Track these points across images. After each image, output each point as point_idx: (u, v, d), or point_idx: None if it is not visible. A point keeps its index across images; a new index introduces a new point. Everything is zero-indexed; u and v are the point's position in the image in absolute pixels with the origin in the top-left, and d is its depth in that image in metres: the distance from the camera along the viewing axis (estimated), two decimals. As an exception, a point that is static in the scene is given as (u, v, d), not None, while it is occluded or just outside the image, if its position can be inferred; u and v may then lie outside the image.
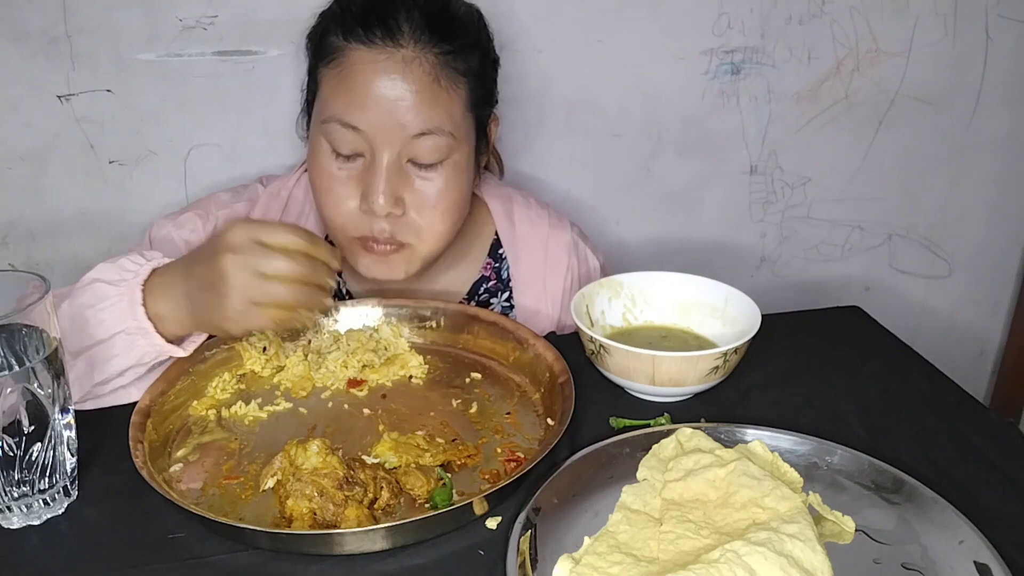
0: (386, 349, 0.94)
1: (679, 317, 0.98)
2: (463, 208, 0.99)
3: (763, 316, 0.89)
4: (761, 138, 1.47)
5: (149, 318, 0.79)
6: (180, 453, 0.79)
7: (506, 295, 1.11)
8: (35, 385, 0.68)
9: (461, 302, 1.09)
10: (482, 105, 0.99)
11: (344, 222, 0.95)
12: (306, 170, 1.05)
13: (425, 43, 0.90)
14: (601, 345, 0.85)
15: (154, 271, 0.82)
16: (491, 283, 1.11)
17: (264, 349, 0.93)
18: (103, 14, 1.14)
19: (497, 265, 1.11)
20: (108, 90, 1.18)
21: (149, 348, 0.80)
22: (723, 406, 0.86)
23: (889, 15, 1.43)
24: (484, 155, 1.04)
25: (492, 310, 1.08)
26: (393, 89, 0.89)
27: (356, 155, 0.92)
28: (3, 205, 1.21)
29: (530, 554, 0.65)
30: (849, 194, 1.57)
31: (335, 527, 0.68)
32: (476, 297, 1.10)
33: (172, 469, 0.77)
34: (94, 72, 1.17)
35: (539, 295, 1.09)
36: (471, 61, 0.95)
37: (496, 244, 1.11)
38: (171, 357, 0.83)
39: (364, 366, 0.91)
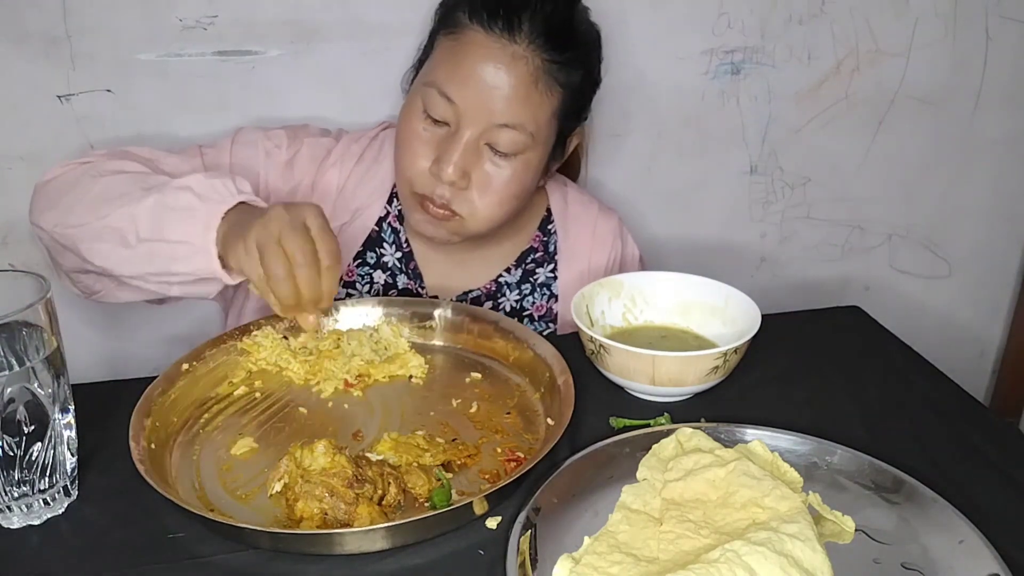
0: (386, 349, 0.94)
1: (679, 317, 0.98)
2: (521, 201, 1.04)
3: (763, 316, 0.89)
4: (761, 138, 1.48)
5: (217, 242, 0.85)
6: (181, 453, 0.79)
7: (551, 267, 1.16)
8: (35, 385, 0.68)
9: (508, 269, 1.15)
10: (570, 118, 1.04)
11: (412, 177, 1.00)
12: (384, 128, 1.15)
13: (537, 47, 0.95)
14: (601, 345, 0.85)
15: (240, 204, 0.87)
16: (538, 254, 1.16)
17: (285, 337, 0.94)
18: (103, 14, 1.14)
19: (546, 239, 1.17)
20: (108, 90, 1.18)
21: (205, 266, 0.86)
22: (723, 406, 0.86)
23: (889, 15, 1.43)
24: (557, 162, 1.09)
25: (536, 279, 1.15)
26: (494, 77, 0.95)
27: (443, 122, 0.98)
28: (3, 205, 1.21)
29: (530, 554, 0.65)
30: (849, 194, 1.57)
31: (347, 526, 0.68)
32: (523, 265, 1.16)
33: (173, 469, 0.77)
34: (94, 72, 1.17)
35: (583, 270, 1.16)
36: (573, 76, 0.99)
37: (546, 220, 1.17)
38: (218, 279, 0.87)
39: (366, 362, 0.91)
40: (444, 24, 1.00)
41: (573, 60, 0.99)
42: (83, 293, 1.00)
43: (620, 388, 0.89)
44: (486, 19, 0.95)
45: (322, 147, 1.11)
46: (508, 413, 0.85)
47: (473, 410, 0.86)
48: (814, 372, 0.93)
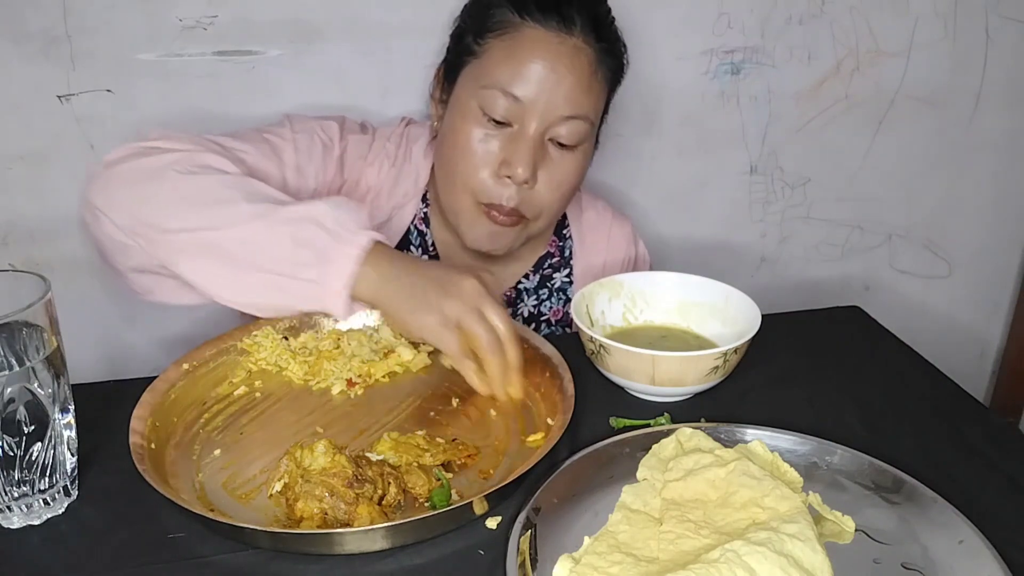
0: (385, 349, 0.94)
1: (679, 317, 0.99)
2: (574, 194, 1.08)
3: (763, 316, 0.89)
4: (761, 138, 1.48)
5: (350, 285, 0.82)
6: (181, 453, 0.79)
7: (567, 271, 1.18)
8: (35, 385, 0.68)
9: (527, 275, 1.16)
10: (607, 105, 1.07)
11: (476, 187, 1.00)
12: (407, 124, 1.14)
13: (591, 37, 0.99)
14: (601, 345, 0.85)
15: (374, 241, 0.83)
16: (555, 259, 1.18)
17: (285, 338, 0.94)
18: (103, 14, 1.14)
19: (561, 244, 1.18)
20: (108, 90, 1.18)
21: (332, 307, 0.83)
22: (723, 406, 0.86)
23: (889, 15, 1.43)
24: (595, 151, 1.10)
25: (552, 284, 1.18)
26: (561, 71, 0.96)
27: (506, 123, 0.98)
28: (3, 205, 1.21)
29: (530, 554, 0.65)
30: (849, 194, 1.57)
31: (347, 526, 0.68)
32: (540, 271, 1.17)
33: (173, 469, 0.77)
34: (94, 72, 1.17)
35: (597, 274, 1.16)
36: (616, 62, 1.04)
37: (561, 225, 1.18)
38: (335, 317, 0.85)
39: (365, 363, 0.92)
40: (489, 27, 0.99)
41: (615, 47, 1.03)
42: (136, 292, 0.95)
43: (620, 388, 0.89)
44: (540, 16, 0.96)
45: (364, 144, 1.10)
46: (508, 414, 0.85)
47: (473, 410, 0.86)
48: (814, 372, 0.93)
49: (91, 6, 1.14)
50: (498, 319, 0.80)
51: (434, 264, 0.85)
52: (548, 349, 0.89)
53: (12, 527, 0.71)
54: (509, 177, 0.98)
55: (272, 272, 0.82)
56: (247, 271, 0.83)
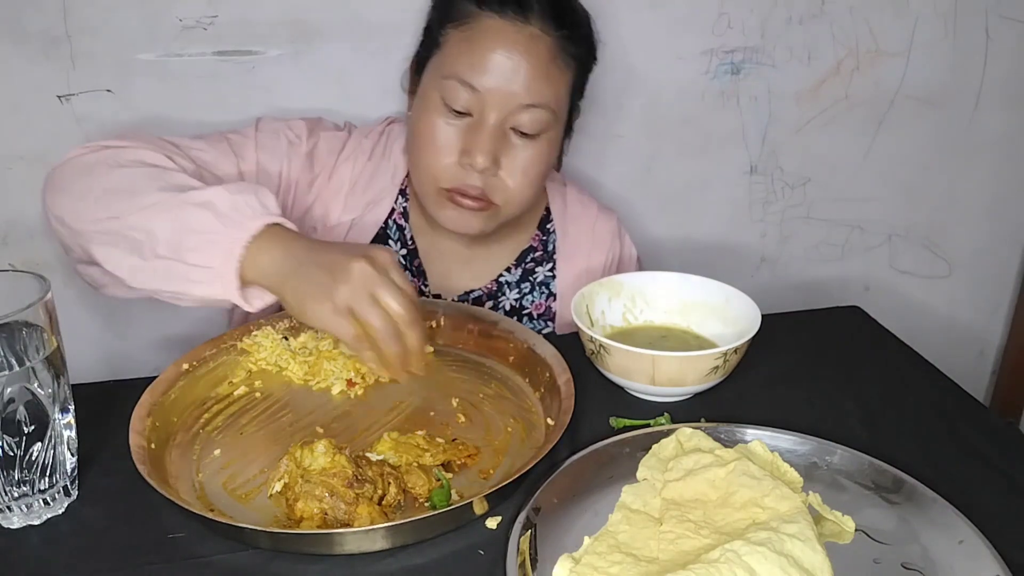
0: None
1: (679, 317, 0.99)
2: (544, 182, 1.07)
3: (763, 316, 0.89)
4: (761, 138, 1.48)
5: (240, 269, 0.79)
6: (181, 453, 0.79)
7: (550, 266, 1.17)
8: (35, 385, 0.68)
9: (508, 268, 1.16)
10: (577, 93, 1.07)
11: (439, 172, 1.00)
12: (389, 123, 1.15)
13: (550, 24, 0.98)
14: (601, 345, 0.85)
15: (268, 225, 0.81)
16: (538, 253, 1.17)
17: (285, 338, 0.94)
18: (103, 14, 1.14)
19: (545, 238, 1.17)
20: (108, 90, 1.18)
21: (223, 293, 0.80)
22: (723, 406, 0.86)
23: (889, 15, 1.43)
24: (567, 140, 1.11)
25: (535, 278, 1.17)
26: (516, 60, 0.96)
27: (466, 113, 0.98)
28: (3, 205, 1.21)
29: (530, 554, 0.65)
30: (849, 194, 1.57)
31: (347, 526, 0.68)
32: (523, 264, 1.16)
33: (173, 469, 0.77)
34: (94, 72, 1.17)
35: (581, 270, 1.17)
36: (580, 49, 1.03)
37: (545, 219, 1.18)
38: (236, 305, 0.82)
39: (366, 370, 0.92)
40: (450, 17, 1.00)
41: (579, 34, 1.02)
42: (90, 285, 0.96)
43: (620, 388, 0.89)
44: (497, 5, 0.96)
45: (338, 140, 1.11)
46: (508, 414, 0.85)
47: (473, 410, 0.86)
48: (814, 372, 0.93)
49: (91, 6, 1.14)
50: (393, 300, 0.76)
51: (330, 246, 0.81)
52: (548, 349, 0.89)
53: (12, 527, 0.71)
54: (471, 165, 0.98)
55: (167, 258, 0.81)
56: (148, 258, 0.82)
